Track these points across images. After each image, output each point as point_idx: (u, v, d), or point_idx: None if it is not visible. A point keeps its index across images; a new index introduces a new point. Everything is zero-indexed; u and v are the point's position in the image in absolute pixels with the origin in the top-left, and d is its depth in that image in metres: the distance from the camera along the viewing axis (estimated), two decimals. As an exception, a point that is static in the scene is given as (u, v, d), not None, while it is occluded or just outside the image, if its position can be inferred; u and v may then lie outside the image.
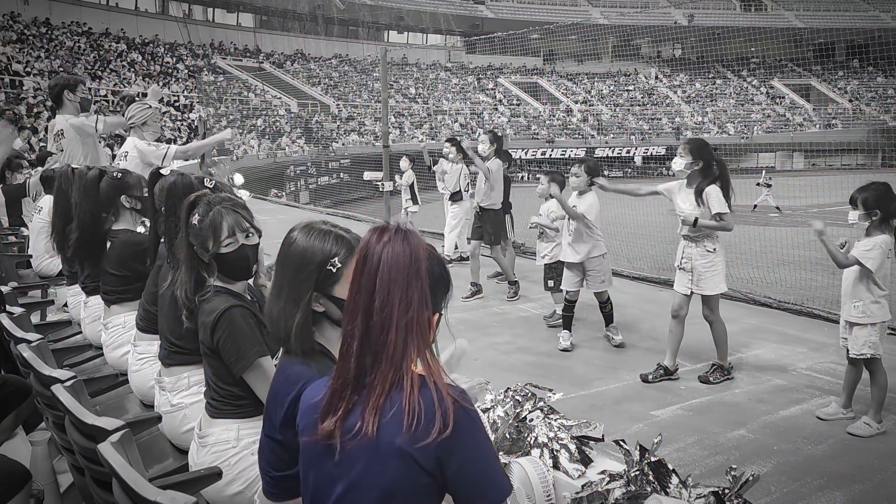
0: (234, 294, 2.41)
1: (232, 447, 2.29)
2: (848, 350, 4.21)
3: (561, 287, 5.95)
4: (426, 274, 1.42)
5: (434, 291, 1.46)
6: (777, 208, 20.08)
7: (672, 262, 5.10)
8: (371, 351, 1.41)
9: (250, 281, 2.56)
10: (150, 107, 5.26)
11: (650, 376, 4.95)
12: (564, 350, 5.63)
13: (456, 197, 9.03)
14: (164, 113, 27.93)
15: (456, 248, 9.56)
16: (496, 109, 43.87)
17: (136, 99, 5.67)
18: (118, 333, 3.45)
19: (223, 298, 2.35)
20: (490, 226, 7.17)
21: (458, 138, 9.54)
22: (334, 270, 1.76)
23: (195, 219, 2.39)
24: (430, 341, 1.45)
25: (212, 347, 2.30)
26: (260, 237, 2.49)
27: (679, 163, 4.78)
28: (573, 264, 5.61)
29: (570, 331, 5.74)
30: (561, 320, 5.92)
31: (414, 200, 10.73)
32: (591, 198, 5.58)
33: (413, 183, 10.68)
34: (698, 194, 4.72)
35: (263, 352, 2.29)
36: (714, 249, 4.79)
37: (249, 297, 2.53)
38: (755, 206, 20.18)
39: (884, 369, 4.14)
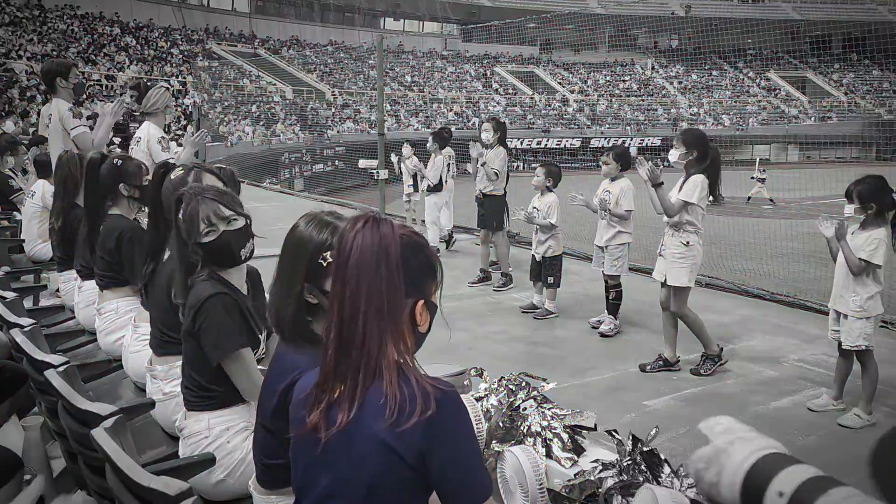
0: (225, 283, 2.36)
1: (205, 437, 2.29)
2: (840, 342, 4.24)
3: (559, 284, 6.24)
4: (397, 261, 1.39)
5: (410, 279, 1.42)
6: (771, 200, 20.10)
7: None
8: (346, 342, 1.39)
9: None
10: (167, 88, 5.27)
11: (648, 367, 4.97)
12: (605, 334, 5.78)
13: (437, 188, 9.01)
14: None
15: (451, 237, 9.53)
16: (492, 98, 43.73)
17: (150, 84, 5.69)
18: (111, 319, 3.44)
19: (210, 285, 2.31)
20: (491, 212, 7.25)
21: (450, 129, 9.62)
22: (324, 265, 1.74)
23: (181, 213, 2.35)
24: (404, 331, 1.42)
25: (192, 331, 2.26)
26: (249, 221, 2.41)
27: (674, 154, 4.82)
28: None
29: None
30: (556, 315, 6.25)
31: (415, 187, 10.72)
32: (624, 182, 5.80)
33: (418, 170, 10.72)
34: (684, 181, 4.78)
35: (244, 343, 2.27)
36: (688, 243, 4.76)
37: (246, 289, 2.49)
38: (749, 198, 20.20)
39: (875, 361, 4.18)
